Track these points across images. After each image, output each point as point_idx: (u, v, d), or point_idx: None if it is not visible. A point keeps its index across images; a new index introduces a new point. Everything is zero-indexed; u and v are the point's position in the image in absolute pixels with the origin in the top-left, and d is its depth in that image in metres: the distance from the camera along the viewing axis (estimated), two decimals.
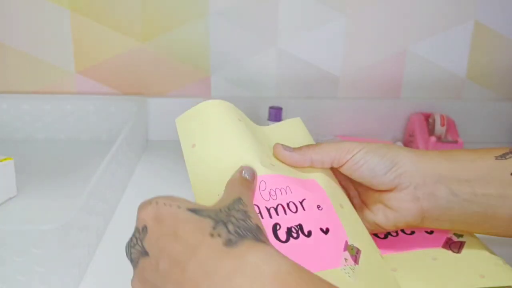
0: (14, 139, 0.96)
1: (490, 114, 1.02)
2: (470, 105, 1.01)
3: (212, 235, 0.40)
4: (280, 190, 0.52)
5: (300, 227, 0.51)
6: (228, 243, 0.39)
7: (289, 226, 0.50)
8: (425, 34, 0.99)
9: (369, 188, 0.55)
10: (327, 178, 0.57)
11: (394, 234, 0.60)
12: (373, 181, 0.54)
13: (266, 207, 0.50)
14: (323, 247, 0.51)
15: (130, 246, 0.44)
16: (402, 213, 0.54)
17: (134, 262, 0.44)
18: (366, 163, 0.53)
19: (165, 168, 0.87)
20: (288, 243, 0.49)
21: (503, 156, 0.53)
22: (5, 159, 0.72)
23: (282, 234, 0.50)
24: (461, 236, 0.60)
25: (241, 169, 0.50)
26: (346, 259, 0.52)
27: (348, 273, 0.51)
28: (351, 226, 0.54)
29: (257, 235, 0.41)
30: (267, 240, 0.42)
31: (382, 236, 0.61)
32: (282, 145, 0.55)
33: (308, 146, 0.56)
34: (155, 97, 0.99)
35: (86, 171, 0.81)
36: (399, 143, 0.96)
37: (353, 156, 0.53)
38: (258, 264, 0.37)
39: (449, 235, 0.60)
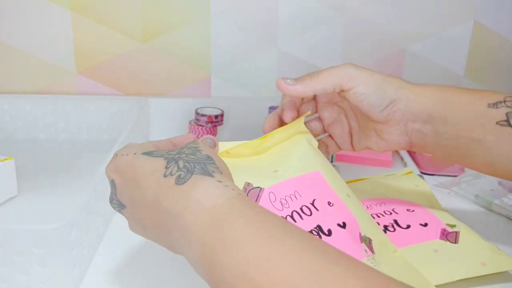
0: (15, 139, 0.96)
1: None
2: None
3: (165, 175, 0.43)
4: (290, 197, 0.52)
5: (319, 228, 0.51)
6: (178, 180, 0.42)
7: (309, 230, 0.50)
8: (424, 34, 0.99)
9: (366, 115, 0.59)
10: (329, 167, 0.57)
11: (392, 229, 0.63)
12: (370, 114, 0.58)
13: (283, 217, 0.50)
14: (345, 242, 0.51)
15: (110, 201, 0.49)
16: (391, 144, 0.60)
17: (121, 213, 0.49)
18: (366, 99, 0.57)
19: None
20: None
21: (495, 105, 0.58)
22: (6, 159, 0.72)
23: None
24: (454, 226, 0.64)
25: (203, 139, 0.53)
26: (366, 250, 0.53)
27: (373, 263, 0.52)
28: (359, 215, 0.55)
29: (205, 166, 0.43)
30: (218, 168, 0.44)
31: None
32: (284, 78, 0.58)
33: (310, 75, 0.58)
34: (156, 97, 0.99)
35: (87, 171, 0.81)
36: None
37: (354, 87, 0.57)
38: (200, 200, 0.40)
39: (443, 226, 0.64)
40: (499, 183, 0.78)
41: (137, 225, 0.47)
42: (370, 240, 0.54)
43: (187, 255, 0.41)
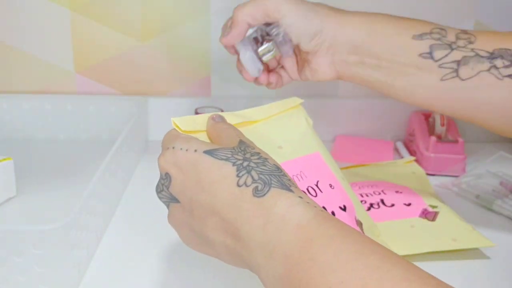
0: (14, 139, 0.95)
1: None
2: None
3: (239, 185, 0.41)
4: (297, 177, 0.52)
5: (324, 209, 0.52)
6: (256, 192, 0.40)
7: None
8: None
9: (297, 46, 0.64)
10: (325, 149, 0.58)
11: (376, 207, 0.67)
12: (300, 44, 0.63)
13: None
14: None
15: (157, 191, 0.47)
16: (320, 74, 0.65)
17: (166, 204, 0.47)
18: (294, 30, 0.62)
19: None
20: None
21: (420, 37, 0.60)
22: (4, 159, 0.72)
23: None
24: (436, 207, 0.68)
25: (211, 117, 0.52)
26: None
27: None
28: (354, 198, 0.57)
29: (281, 179, 0.41)
30: (291, 179, 0.43)
31: (366, 209, 0.67)
32: (222, 34, 0.68)
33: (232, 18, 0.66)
34: (155, 97, 0.99)
35: (86, 171, 0.81)
36: (400, 143, 0.96)
37: (280, 19, 0.61)
38: (285, 217, 0.38)
39: (425, 206, 0.68)
40: (501, 184, 0.78)
41: (186, 224, 0.45)
42: (361, 224, 0.56)
43: (262, 268, 0.39)
